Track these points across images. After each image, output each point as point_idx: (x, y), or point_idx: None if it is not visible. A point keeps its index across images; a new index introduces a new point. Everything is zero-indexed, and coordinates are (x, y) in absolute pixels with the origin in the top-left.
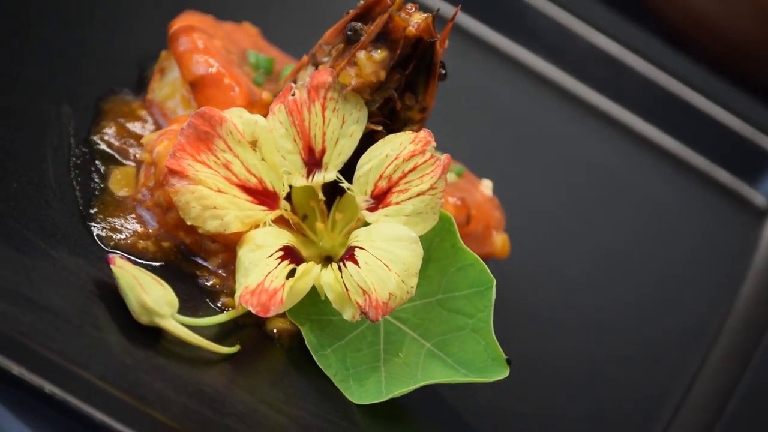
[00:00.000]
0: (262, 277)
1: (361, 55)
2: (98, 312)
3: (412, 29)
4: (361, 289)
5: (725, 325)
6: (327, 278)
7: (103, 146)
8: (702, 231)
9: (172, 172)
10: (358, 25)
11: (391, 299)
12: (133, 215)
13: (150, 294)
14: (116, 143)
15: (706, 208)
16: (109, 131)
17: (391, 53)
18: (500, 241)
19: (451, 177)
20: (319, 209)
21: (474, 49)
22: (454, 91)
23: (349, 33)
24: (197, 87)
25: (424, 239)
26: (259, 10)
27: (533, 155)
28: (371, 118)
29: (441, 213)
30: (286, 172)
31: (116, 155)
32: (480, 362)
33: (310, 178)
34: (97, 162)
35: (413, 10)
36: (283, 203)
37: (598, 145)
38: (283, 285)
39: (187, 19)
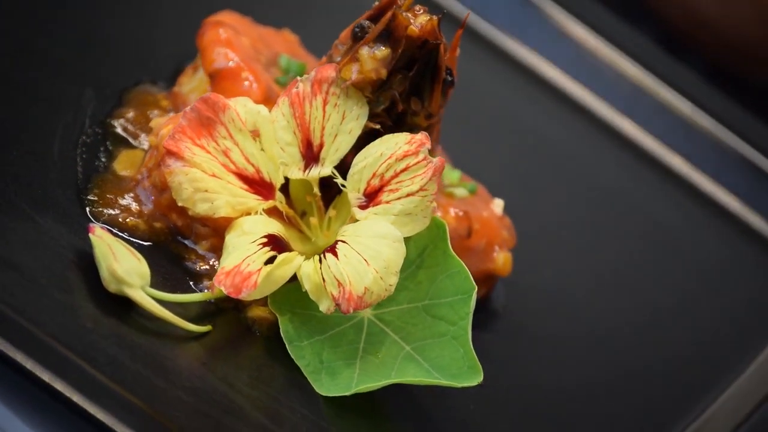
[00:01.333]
0: (240, 260)
1: (364, 51)
2: (70, 277)
3: (414, 29)
4: (337, 280)
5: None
6: (306, 269)
7: (118, 129)
8: (737, 281)
9: (169, 153)
10: (366, 23)
11: (366, 294)
12: (131, 194)
13: (121, 263)
14: (131, 128)
15: (747, 258)
16: (128, 116)
17: (393, 52)
18: (502, 258)
19: (462, 192)
20: (316, 205)
21: (506, 69)
22: (481, 110)
23: (356, 30)
24: (215, 79)
25: (417, 245)
26: (303, 19)
27: (562, 183)
28: (375, 118)
29: (436, 220)
30: (283, 164)
31: (129, 139)
32: (455, 369)
33: (307, 171)
34: (107, 143)
35: (421, 11)
36: (278, 195)
37: (632, 182)
38: (260, 270)
39: (221, 17)
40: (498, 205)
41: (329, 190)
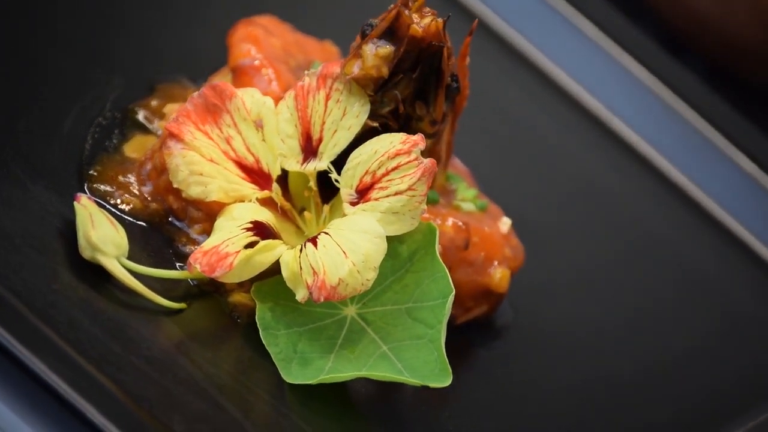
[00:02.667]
0: (220, 241)
1: (366, 48)
2: (49, 241)
3: (416, 28)
4: (312, 269)
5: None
6: (287, 257)
7: (139, 116)
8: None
9: (171, 135)
10: (375, 21)
11: (340, 285)
12: (132, 174)
13: (97, 230)
14: (152, 116)
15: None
16: (152, 105)
17: (395, 51)
18: (499, 274)
19: (469, 207)
20: (313, 201)
21: (542, 88)
22: (511, 129)
23: (364, 28)
24: (236, 73)
25: (410, 249)
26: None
27: (584, 206)
28: (378, 119)
29: (429, 225)
30: (282, 155)
31: (147, 125)
32: (427, 370)
33: (305, 165)
34: (124, 128)
35: (429, 14)
36: (275, 186)
37: (660, 213)
38: (238, 252)
39: (257, 18)
40: (505, 223)
41: (332, 190)
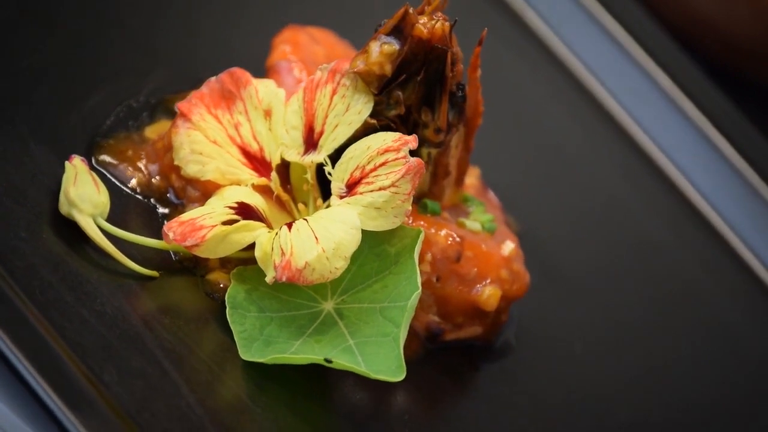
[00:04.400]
0: (199, 214)
1: (372, 44)
2: (33, 197)
3: (421, 28)
4: (282, 249)
5: None
6: (262, 238)
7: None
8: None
9: (181, 114)
10: (385, 20)
11: (306, 269)
12: (143, 152)
13: (78, 188)
14: None
15: None
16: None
17: (399, 50)
18: (488, 291)
19: (474, 226)
20: (312, 195)
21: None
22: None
23: (376, 26)
24: (268, 72)
25: (395, 252)
26: None
27: (601, 231)
28: (380, 120)
29: (417, 230)
30: (284, 146)
31: None
32: (384, 366)
33: (304, 156)
34: (154, 113)
35: (439, 17)
36: (273, 176)
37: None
38: (213, 226)
39: (309, 28)
40: (508, 246)
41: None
